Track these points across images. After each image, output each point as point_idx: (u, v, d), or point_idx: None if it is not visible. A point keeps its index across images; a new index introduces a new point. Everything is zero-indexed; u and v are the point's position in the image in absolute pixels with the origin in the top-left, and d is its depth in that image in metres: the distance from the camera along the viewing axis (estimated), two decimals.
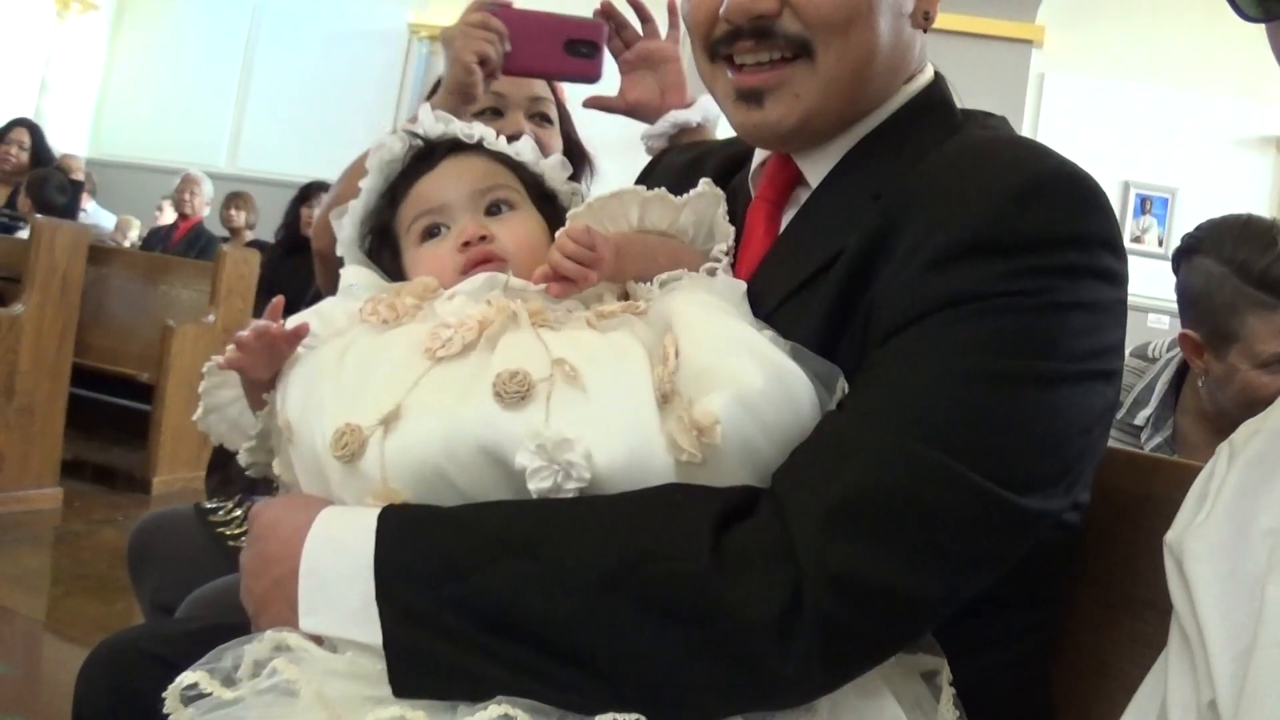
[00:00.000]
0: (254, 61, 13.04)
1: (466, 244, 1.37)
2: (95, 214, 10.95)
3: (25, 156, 8.18)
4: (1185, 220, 10.36)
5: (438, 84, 2.23)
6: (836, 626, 0.98)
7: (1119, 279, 1.15)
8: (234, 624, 1.20)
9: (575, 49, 1.88)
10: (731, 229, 1.38)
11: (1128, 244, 10.82)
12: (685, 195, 1.39)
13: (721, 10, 1.28)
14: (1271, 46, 0.90)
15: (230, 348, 1.28)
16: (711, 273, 1.29)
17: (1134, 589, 1.26)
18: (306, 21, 12.84)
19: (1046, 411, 1.07)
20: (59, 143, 12.93)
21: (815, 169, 1.35)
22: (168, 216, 10.67)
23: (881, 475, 1.03)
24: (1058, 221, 1.11)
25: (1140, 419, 2.61)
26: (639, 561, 1.01)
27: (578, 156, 2.39)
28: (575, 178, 2.31)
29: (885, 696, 1.07)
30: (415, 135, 1.51)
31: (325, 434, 1.13)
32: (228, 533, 2.34)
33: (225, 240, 8.86)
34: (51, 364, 5.56)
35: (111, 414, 6.76)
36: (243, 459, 1.39)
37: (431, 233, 1.42)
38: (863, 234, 1.19)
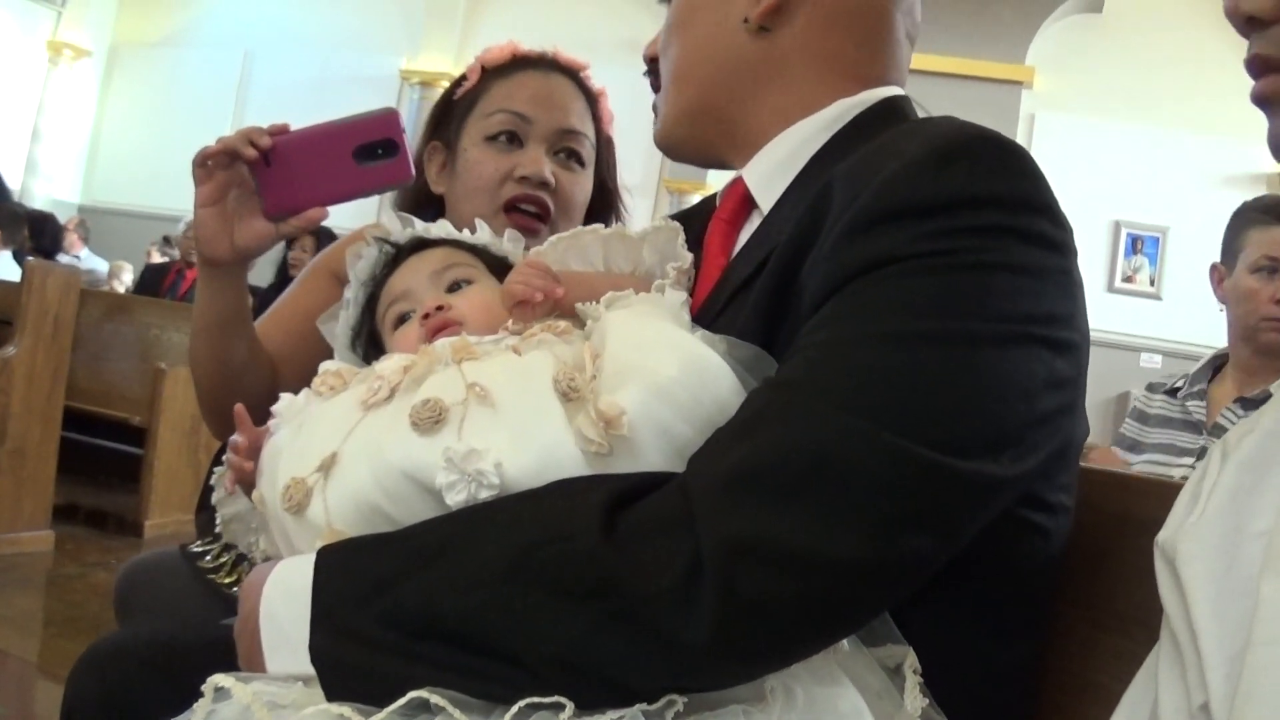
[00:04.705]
0: (246, 108, 13.12)
1: (426, 316, 1.44)
2: (89, 260, 10.99)
3: None
4: (1176, 259, 10.42)
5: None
6: (742, 591, 0.96)
7: (1057, 246, 1.11)
8: (225, 639, 1.21)
9: (370, 153, 1.61)
10: (690, 255, 1.40)
11: (1119, 284, 10.92)
12: (643, 229, 1.45)
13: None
14: None
15: (226, 460, 1.40)
16: (660, 290, 1.31)
17: (1121, 607, 1.25)
18: (298, 68, 12.94)
19: (970, 372, 1.03)
20: (51, 190, 13.04)
21: (765, 193, 1.38)
22: (154, 260, 10.70)
23: (788, 439, 1.00)
24: (977, 182, 1.08)
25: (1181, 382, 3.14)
26: (535, 547, 1.01)
27: (604, 207, 2.15)
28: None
29: (843, 684, 1.04)
30: (386, 241, 1.59)
31: (278, 492, 1.18)
32: (218, 580, 2.26)
33: None
34: (43, 407, 5.56)
35: (103, 457, 6.77)
36: (258, 556, 1.44)
37: (402, 319, 1.49)
38: (791, 228, 1.20)
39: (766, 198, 1.37)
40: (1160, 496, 1.20)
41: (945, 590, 1.10)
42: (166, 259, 10.59)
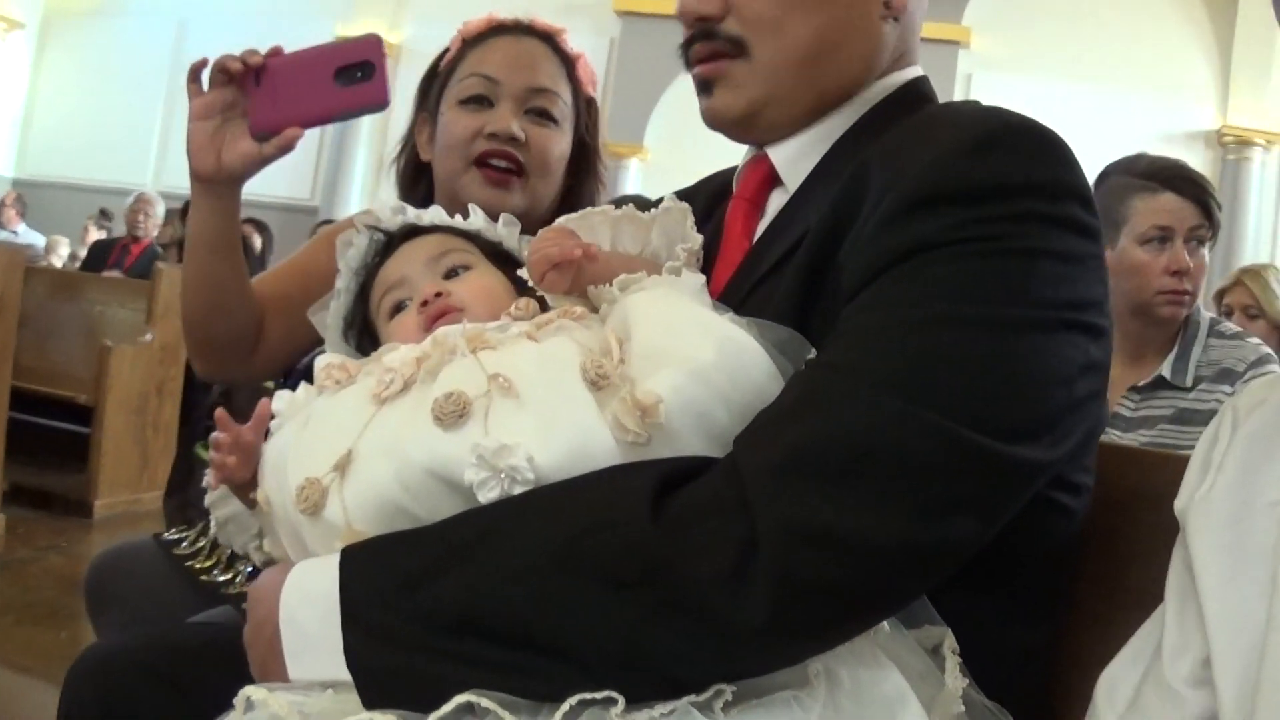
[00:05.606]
0: (180, 78, 12.85)
1: (424, 303, 1.39)
2: (26, 235, 10.85)
3: None
4: None
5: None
6: (796, 575, 0.96)
7: (1091, 232, 1.13)
8: (223, 640, 1.19)
9: (349, 76, 1.63)
10: (700, 237, 1.37)
11: None
12: (652, 212, 1.41)
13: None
14: None
15: (211, 459, 1.35)
16: (675, 272, 1.28)
17: (1133, 582, 1.26)
18: (232, 37, 12.47)
19: (1015, 357, 1.04)
20: None
21: (792, 171, 1.37)
22: (91, 236, 10.56)
23: (840, 423, 1.01)
24: (1015, 169, 1.10)
25: None
26: (580, 537, 1.00)
27: (583, 165, 2.12)
28: (580, 192, 2.12)
29: (887, 667, 1.04)
30: (377, 229, 1.56)
31: (291, 494, 1.14)
32: (197, 565, 2.22)
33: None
34: None
35: (49, 438, 6.65)
36: (258, 558, 1.42)
37: (399, 308, 1.45)
38: (826, 209, 1.19)
39: (794, 176, 1.36)
40: (1172, 471, 1.20)
41: (973, 572, 1.09)
42: (104, 232, 10.46)
